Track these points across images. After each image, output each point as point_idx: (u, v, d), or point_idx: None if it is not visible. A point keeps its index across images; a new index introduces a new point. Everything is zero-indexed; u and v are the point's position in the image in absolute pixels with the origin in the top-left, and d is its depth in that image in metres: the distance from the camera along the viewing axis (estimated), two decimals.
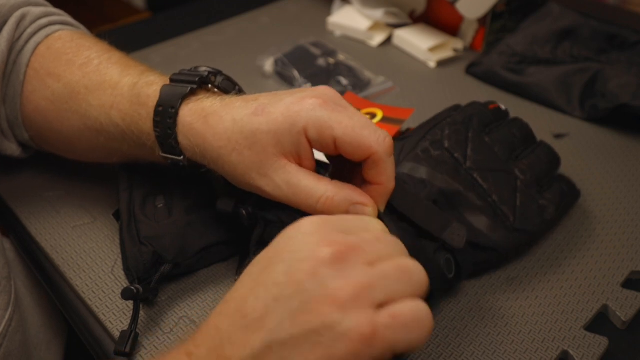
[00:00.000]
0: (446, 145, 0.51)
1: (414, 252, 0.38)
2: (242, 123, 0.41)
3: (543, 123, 0.67)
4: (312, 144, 0.40)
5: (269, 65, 0.75)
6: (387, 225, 0.38)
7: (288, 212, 0.43)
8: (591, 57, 0.73)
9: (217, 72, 0.47)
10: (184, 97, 0.44)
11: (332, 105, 0.40)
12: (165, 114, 0.43)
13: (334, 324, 0.30)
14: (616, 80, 0.68)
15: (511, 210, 0.49)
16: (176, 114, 0.43)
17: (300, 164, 0.41)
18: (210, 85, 0.47)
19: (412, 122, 0.62)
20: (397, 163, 0.50)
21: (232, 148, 0.41)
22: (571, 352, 0.44)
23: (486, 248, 0.47)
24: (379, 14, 0.83)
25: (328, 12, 0.89)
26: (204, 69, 0.47)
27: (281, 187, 0.41)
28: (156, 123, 0.44)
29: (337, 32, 0.85)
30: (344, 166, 0.43)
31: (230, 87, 0.48)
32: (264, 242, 0.45)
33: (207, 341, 0.33)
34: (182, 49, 0.82)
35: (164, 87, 0.45)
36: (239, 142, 0.41)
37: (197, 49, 0.82)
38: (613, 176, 0.60)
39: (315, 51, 0.77)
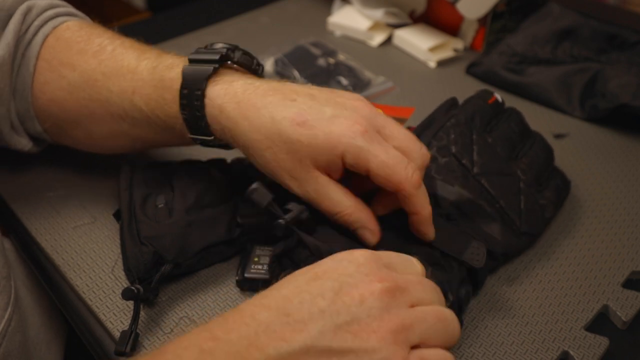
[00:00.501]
0: (453, 150, 0.51)
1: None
2: (281, 126, 0.42)
3: (543, 123, 0.67)
4: (346, 166, 0.43)
5: (269, 65, 0.75)
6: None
7: (326, 240, 0.44)
8: (591, 57, 0.73)
9: (234, 47, 0.48)
10: (209, 77, 0.44)
11: (372, 135, 0.42)
12: (192, 96, 0.44)
13: (372, 350, 0.32)
14: (616, 80, 0.68)
15: (517, 215, 0.49)
16: (203, 95, 0.44)
17: (329, 175, 0.43)
18: (229, 62, 0.47)
19: (413, 121, 0.62)
20: None
21: (268, 146, 0.42)
22: (571, 352, 0.44)
23: (499, 255, 0.48)
24: (379, 14, 0.83)
25: (328, 12, 0.89)
26: (221, 45, 0.47)
27: (310, 192, 0.43)
28: (183, 106, 0.44)
29: (337, 32, 0.85)
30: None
31: (248, 62, 0.48)
32: (288, 257, 0.44)
33: (239, 328, 0.33)
34: (182, 49, 0.81)
35: (185, 68, 0.45)
36: (276, 144, 0.42)
37: None
38: (613, 176, 0.60)
39: (316, 51, 0.77)
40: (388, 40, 0.84)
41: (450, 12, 0.79)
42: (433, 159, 0.50)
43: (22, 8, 0.51)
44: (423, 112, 0.63)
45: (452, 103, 0.56)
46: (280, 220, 0.42)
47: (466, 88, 0.74)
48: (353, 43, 0.83)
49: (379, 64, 0.78)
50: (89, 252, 0.51)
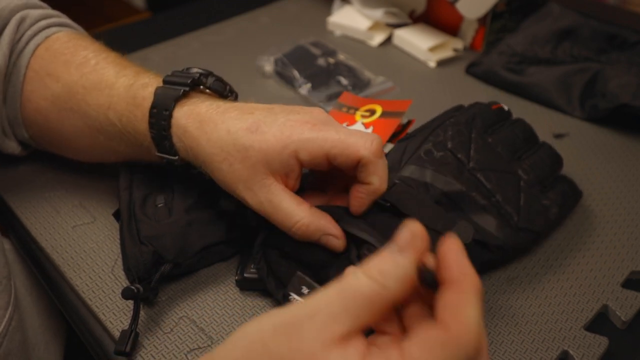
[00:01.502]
0: (449, 146, 0.51)
1: None
2: (236, 136, 0.43)
3: (543, 123, 0.67)
4: (305, 165, 0.42)
5: (269, 65, 0.75)
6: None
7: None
8: (591, 57, 0.73)
9: (208, 74, 0.49)
10: (177, 100, 0.45)
11: (320, 126, 0.42)
12: (160, 115, 0.45)
13: None
14: (616, 80, 0.68)
15: (515, 210, 0.49)
16: (170, 116, 0.45)
17: (286, 183, 0.43)
18: (202, 87, 0.48)
19: (411, 115, 0.62)
20: (400, 165, 0.50)
21: (224, 157, 0.43)
22: (571, 352, 0.44)
23: (493, 247, 0.48)
24: (379, 13, 0.83)
25: (328, 12, 0.89)
26: (195, 70, 0.48)
27: (263, 203, 0.43)
28: (151, 124, 0.46)
29: (337, 32, 0.85)
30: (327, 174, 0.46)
31: (221, 88, 0.49)
32: (268, 244, 0.45)
33: None
34: (182, 49, 0.82)
35: (157, 89, 0.46)
36: (231, 154, 0.43)
37: (197, 49, 0.82)
38: (613, 176, 0.60)
39: (315, 51, 0.77)
40: (388, 40, 0.84)
41: (450, 12, 0.79)
42: (428, 153, 0.50)
43: (17, 18, 0.53)
44: (423, 112, 0.63)
45: (457, 108, 0.57)
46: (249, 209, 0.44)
47: (466, 88, 0.74)
48: (353, 43, 0.83)
49: (378, 63, 0.78)
50: (89, 251, 0.51)
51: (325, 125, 0.42)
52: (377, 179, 0.42)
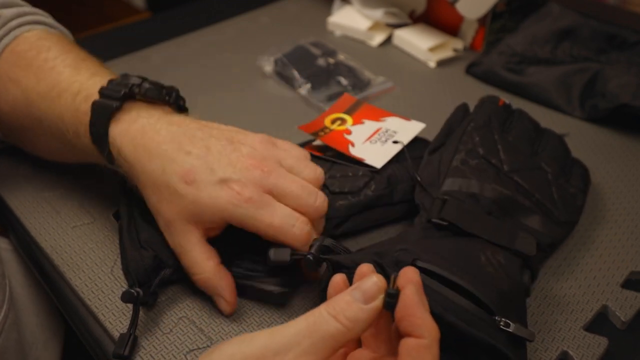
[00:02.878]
0: (481, 152, 0.51)
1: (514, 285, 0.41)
2: (171, 181, 0.43)
3: (543, 123, 0.67)
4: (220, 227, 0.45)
5: (269, 65, 0.75)
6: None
7: (363, 252, 0.43)
8: (591, 57, 0.73)
9: (141, 81, 0.47)
10: (112, 116, 0.45)
11: (258, 200, 0.43)
12: (98, 134, 0.46)
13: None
14: (616, 80, 0.67)
15: (553, 205, 0.50)
16: (106, 134, 0.45)
17: (206, 233, 0.45)
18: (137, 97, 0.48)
19: (412, 115, 0.62)
20: (440, 179, 0.50)
21: (154, 192, 0.44)
22: (571, 352, 0.44)
23: (545, 246, 0.48)
24: (379, 14, 0.83)
25: (328, 12, 0.89)
26: (132, 79, 0.47)
27: (176, 245, 0.45)
28: (93, 140, 0.46)
29: (337, 32, 0.85)
30: None
31: (156, 95, 0.48)
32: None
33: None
34: (182, 49, 0.82)
35: (94, 103, 0.46)
36: (162, 193, 0.44)
37: (197, 49, 0.82)
38: (613, 176, 0.60)
39: (315, 51, 0.77)
40: (388, 40, 0.84)
41: (450, 12, 0.79)
42: (464, 162, 0.50)
43: None
44: (423, 112, 0.63)
45: (464, 109, 0.57)
46: (308, 256, 0.43)
47: (466, 88, 0.74)
48: (353, 43, 0.83)
49: (378, 64, 0.78)
50: (88, 252, 0.51)
51: (263, 197, 0.43)
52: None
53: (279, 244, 0.44)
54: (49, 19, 0.57)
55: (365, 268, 0.37)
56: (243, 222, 0.43)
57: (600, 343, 0.44)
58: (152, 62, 0.78)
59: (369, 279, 0.33)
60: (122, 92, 0.46)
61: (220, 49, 0.81)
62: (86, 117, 0.46)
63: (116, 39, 0.87)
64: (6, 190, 0.57)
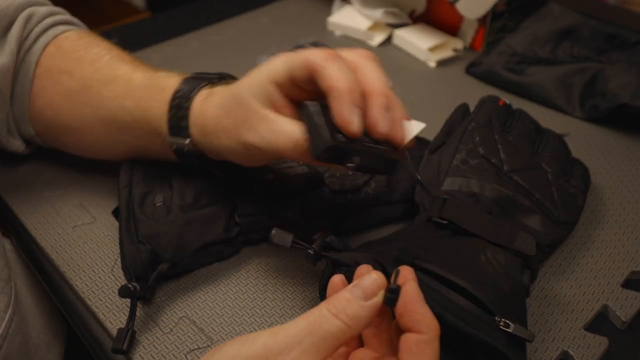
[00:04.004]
0: (481, 152, 0.51)
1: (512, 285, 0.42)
2: (230, 89, 0.44)
3: (543, 123, 0.66)
4: (286, 90, 0.42)
5: None
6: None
7: (363, 250, 0.44)
8: (591, 57, 0.73)
9: (230, 75, 0.51)
10: (202, 87, 0.47)
11: (289, 53, 0.42)
12: (183, 97, 0.46)
13: None
14: (616, 80, 0.68)
15: (553, 205, 0.50)
16: (192, 98, 0.46)
17: (278, 111, 0.43)
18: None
19: (412, 115, 0.62)
20: (440, 178, 0.50)
21: (225, 113, 0.44)
22: (571, 352, 0.44)
23: (545, 246, 0.48)
24: (378, 13, 0.83)
25: (328, 12, 0.89)
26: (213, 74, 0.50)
27: (264, 135, 0.42)
28: (171, 107, 0.46)
29: (337, 32, 0.85)
30: None
31: None
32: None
33: None
34: (182, 49, 0.82)
35: (186, 78, 0.48)
36: (228, 105, 0.44)
37: (197, 49, 0.82)
38: (613, 176, 0.60)
39: None
40: (388, 40, 0.84)
41: (450, 12, 0.79)
42: (464, 162, 0.50)
43: (24, 15, 0.53)
44: (423, 112, 0.62)
45: (465, 109, 0.57)
46: (309, 251, 0.43)
47: (466, 88, 0.74)
48: (353, 43, 0.83)
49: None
50: (89, 251, 0.51)
51: (293, 52, 0.43)
52: (336, 81, 0.39)
53: (283, 227, 0.44)
54: (77, 20, 0.59)
55: (364, 269, 0.37)
56: (282, 67, 0.42)
57: (600, 343, 0.44)
58: (152, 62, 0.77)
59: (369, 276, 0.33)
60: (218, 75, 0.48)
61: (220, 49, 0.81)
62: (169, 87, 0.47)
63: (116, 38, 0.87)
64: (6, 190, 0.57)
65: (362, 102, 0.40)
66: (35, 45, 0.53)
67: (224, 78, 0.49)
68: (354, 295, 0.32)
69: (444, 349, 0.33)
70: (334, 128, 0.39)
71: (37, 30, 0.54)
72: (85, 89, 0.51)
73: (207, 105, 0.45)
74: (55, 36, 0.54)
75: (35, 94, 0.53)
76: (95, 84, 0.50)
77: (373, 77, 0.41)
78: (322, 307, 0.32)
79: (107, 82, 0.50)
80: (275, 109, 0.43)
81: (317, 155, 0.38)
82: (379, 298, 0.33)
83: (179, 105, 0.46)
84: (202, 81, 0.47)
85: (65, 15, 0.57)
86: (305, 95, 0.42)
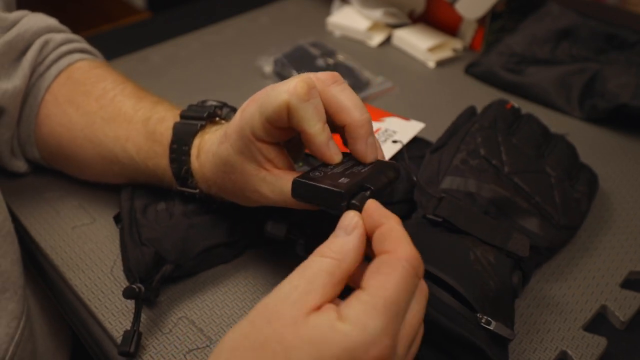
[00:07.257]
0: (482, 153, 0.51)
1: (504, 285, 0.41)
2: (218, 154, 0.44)
3: None
4: (267, 138, 0.40)
5: (268, 65, 0.75)
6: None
7: None
8: (590, 57, 0.73)
9: (222, 105, 0.50)
10: (195, 134, 0.47)
11: (258, 95, 0.41)
12: (180, 151, 0.47)
13: None
14: (615, 80, 0.68)
15: (554, 209, 0.50)
16: (189, 151, 0.46)
17: (276, 166, 0.41)
18: (217, 119, 0.49)
19: (412, 115, 0.62)
20: (439, 177, 0.50)
21: (223, 176, 0.44)
22: (570, 352, 0.44)
23: (542, 249, 0.48)
24: (378, 14, 0.83)
25: (328, 12, 0.89)
26: (210, 103, 0.50)
27: (270, 196, 0.42)
28: (172, 160, 0.47)
29: (337, 32, 0.85)
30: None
31: None
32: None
33: None
34: (182, 49, 0.82)
35: (176, 124, 0.47)
36: (224, 171, 0.44)
37: (197, 49, 0.82)
38: (612, 176, 0.60)
39: (315, 51, 0.77)
40: (387, 41, 0.84)
41: (449, 12, 0.79)
42: (464, 162, 0.51)
43: (40, 41, 0.54)
44: (423, 113, 0.63)
45: (471, 111, 0.57)
46: (301, 241, 0.44)
47: (465, 88, 0.74)
48: (352, 43, 0.83)
49: (378, 64, 0.78)
50: (88, 252, 0.51)
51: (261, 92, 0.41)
52: (311, 124, 0.38)
53: (278, 219, 0.44)
54: (91, 47, 0.59)
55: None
56: (255, 116, 0.40)
57: (599, 343, 0.44)
58: (152, 62, 0.78)
59: (346, 215, 0.35)
60: (207, 113, 0.48)
61: (220, 49, 0.81)
62: (164, 138, 0.48)
63: (116, 39, 0.88)
64: (6, 191, 0.57)
65: (339, 130, 0.41)
66: (48, 71, 0.54)
67: (213, 113, 0.48)
68: (336, 235, 0.34)
69: (426, 345, 0.33)
70: (331, 177, 0.38)
71: (52, 57, 0.54)
72: (89, 125, 0.51)
73: (206, 165, 0.45)
74: (69, 64, 0.55)
75: (40, 120, 0.54)
76: (99, 121, 0.51)
77: (349, 105, 0.40)
78: (309, 256, 0.33)
79: (110, 120, 0.50)
80: (269, 160, 0.41)
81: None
82: (360, 228, 0.34)
83: (179, 160, 0.46)
84: (194, 126, 0.47)
85: (82, 44, 0.58)
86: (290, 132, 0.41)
